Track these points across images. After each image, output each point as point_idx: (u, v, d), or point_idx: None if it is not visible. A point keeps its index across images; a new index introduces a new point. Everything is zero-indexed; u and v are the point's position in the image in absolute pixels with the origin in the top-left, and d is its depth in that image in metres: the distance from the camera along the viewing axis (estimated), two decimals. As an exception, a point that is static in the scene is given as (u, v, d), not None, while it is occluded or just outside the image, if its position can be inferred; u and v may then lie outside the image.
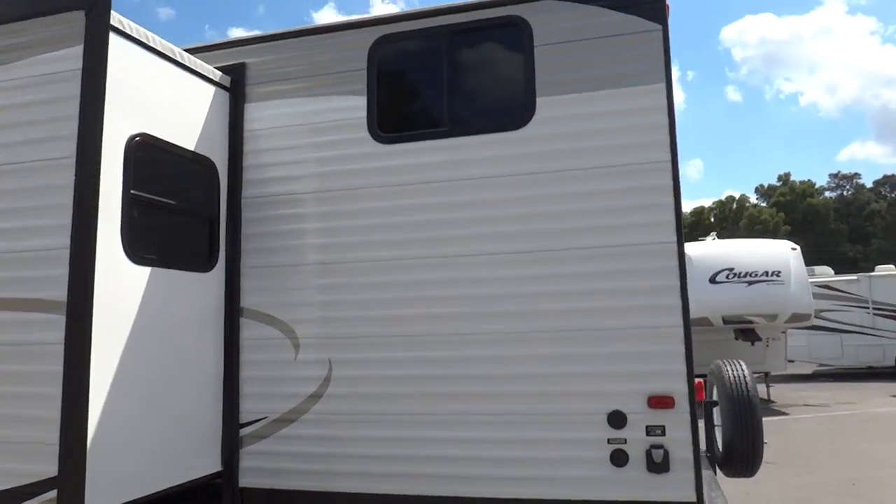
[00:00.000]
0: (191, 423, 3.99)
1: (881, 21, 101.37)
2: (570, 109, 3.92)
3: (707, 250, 15.86)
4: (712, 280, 14.69)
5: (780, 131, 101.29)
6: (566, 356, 3.77)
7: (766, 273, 14.57)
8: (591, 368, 3.73)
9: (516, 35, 4.05)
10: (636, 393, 3.66)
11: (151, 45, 3.72)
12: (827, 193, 58.68)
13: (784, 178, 57.49)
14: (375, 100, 4.22)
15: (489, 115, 4.20)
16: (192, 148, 4.05)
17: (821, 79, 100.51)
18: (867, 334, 20.06)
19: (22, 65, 3.48)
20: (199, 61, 4.13)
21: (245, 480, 4.21)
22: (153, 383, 3.70)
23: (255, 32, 4.55)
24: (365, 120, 4.21)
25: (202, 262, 4.18)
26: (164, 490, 3.74)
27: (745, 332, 14.83)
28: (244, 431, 4.24)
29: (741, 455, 5.13)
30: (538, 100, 3.97)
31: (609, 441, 3.66)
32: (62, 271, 3.25)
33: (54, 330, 3.24)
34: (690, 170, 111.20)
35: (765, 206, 56.43)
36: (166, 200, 3.93)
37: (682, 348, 3.64)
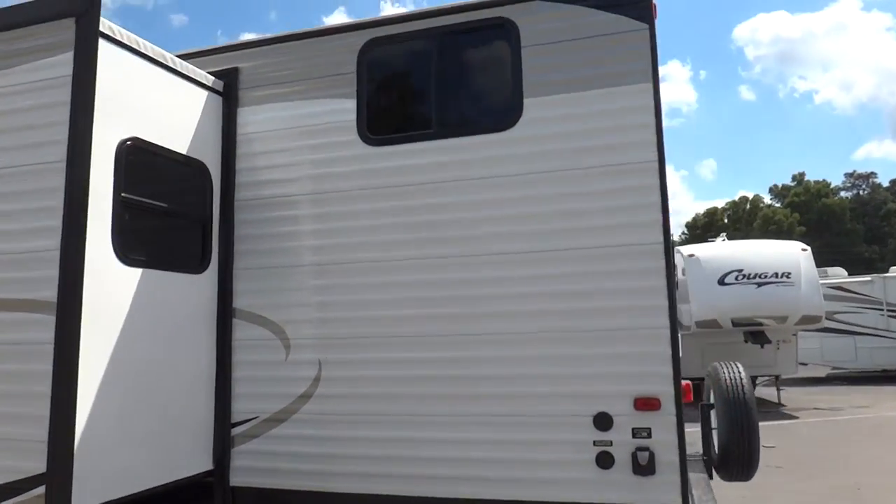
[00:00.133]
0: (182, 422, 4.04)
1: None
2: (557, 110, 3.93)
3: (715, 251, 15.74)
4: (721, 281, 14.57)
5: (794, 130, 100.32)
6: (552, 357, 3.77)
7: (776, 274, 14.43)
8: (576, 370, 3.73)
9: (503, 36, 4.07)
10: (622, 394, 3.66)
11: (142, 51, 3.78)
12: (842, 193, 58.00)
13: (798, 178, 56.89)
14: (365, 102, 4.25)
15: (477, 117, 4.23)
16: (184, 151, 4.11)
17: (835, 76, 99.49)
18: (882, 336, 19.76)
19: (15, 71, 3.55)
20: (191, 66, 4.19)
21: (236, 479, 4.26)
22: (144, 382, 3.76)
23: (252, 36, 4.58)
24: (354, 122, 4.25)
25: (194, 264, 4.23)
26: (155, 487, 3.79)
27: (755, 334, 14.69)
28: (236, 431, 4.29)
29: (737, 458, 5.10)
30: (525, 101, 3.98)
31: (595, 443, 3.66)
32: (53, 272, 3.32)
33: (45, 330, 3.30)
34: (703, 170, 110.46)
35: (779, 207, 55.88)
36: (158, 203, 3.99)
37: (668, 350, 3.63)
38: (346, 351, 4.13)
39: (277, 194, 4.38)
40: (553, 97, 3.94)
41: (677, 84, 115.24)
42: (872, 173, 60.38)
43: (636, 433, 3.61)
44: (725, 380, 5.31)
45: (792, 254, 14.93)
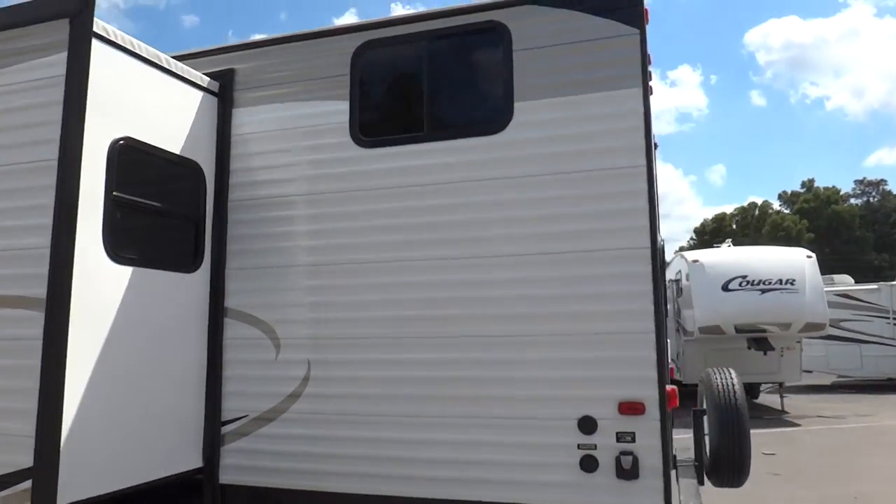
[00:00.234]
0: (172, 420, 4.08)
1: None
2: (547, 114, 3.95)
3: (720, 257, 15.69)
4: (725, 287, 14.51)
5: (805, 137, 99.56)
6: (537, 360, 3.79)
7: (781, 281, 14.36)
8: (561, 373, 3.75)
9: (495, 40, 4.09)
10: (607, 398, 3.66)
11: (136, 51, 3.83)
12: (852, 200, 57.48)
13: (808, 185, 56.50)
14: (357, 104, 4.29)
15: (468, 120, 4.25)
16: (177, 151, 4.15)
17: (847, 82, 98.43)
18: (888, 345, 19.60)
19: (10, 71, 3.61)
20: (186, 67, 4.24)
21: (226, 477, 4.29)
22: (133, 379, 3.79)
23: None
24: (347, 124, 4.28)
25: (187, 263, 4.27)
26: (143, 483, 3.83)
27: (758, 341, 14.61)
28: (226, 429, 4.32)
29: (728, 464, 5.08)
30: (516, 104, 4.00)
31: (579, 446, 3.67)
32: (43, 270, 3.36)
33: (34, 326, 3.35)
34: (713, 175, 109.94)
35: (788, 213, 55.54)
36: (150, 202, 4.03)
37: (653, 354, 3.63)
38: (335, 351, 4.17)
39: (271, 195, 4.42)
40: (543, 101, 3.96)
41: (688, 89, 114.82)
42: (883, 180, 59.82)
43: (620, 437, 3.61)
44: (717, 386, 5.29)
45: (796, 261, 14.86)
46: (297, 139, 4.40)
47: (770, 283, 14.34)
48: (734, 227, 59.26)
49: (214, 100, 4.48)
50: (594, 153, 3.85)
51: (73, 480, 3.34)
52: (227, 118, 4.50)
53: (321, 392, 4.16)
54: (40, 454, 3.24)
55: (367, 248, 4.17)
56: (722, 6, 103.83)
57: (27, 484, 3.27)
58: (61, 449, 3.26)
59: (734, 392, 5.22)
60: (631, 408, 3.61)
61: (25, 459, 3.28)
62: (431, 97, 4.20)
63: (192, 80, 4.29)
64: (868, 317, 19.84)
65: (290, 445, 4.18)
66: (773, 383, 16.38)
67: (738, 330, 14.36)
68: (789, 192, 58.39)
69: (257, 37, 4.63)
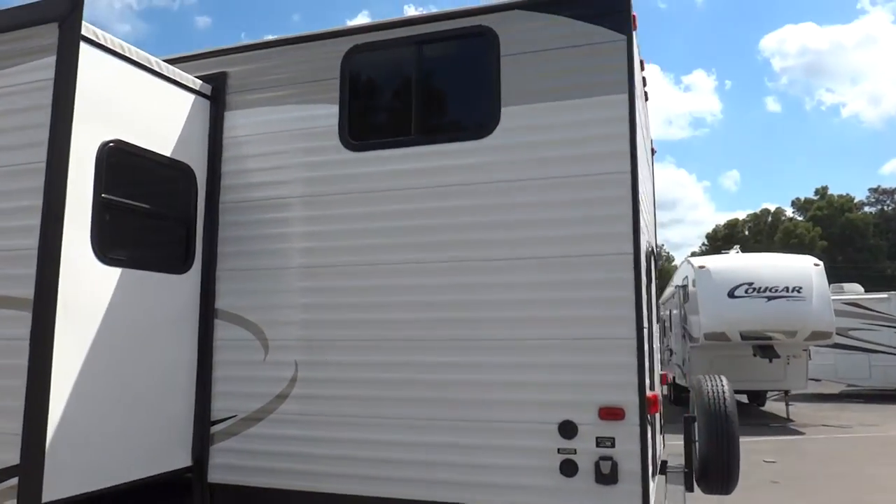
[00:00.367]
0: (161, 419, 4.12)
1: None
2: (533, 119, 3.97)
3: (726, 264, 15.60)
4: (731, 294, 14.44)
5: (820, 143, 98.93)
6: (520, 364, 3.80)
7: (787, 288, 14.26)
8: (543, 377, 3.76)
9: (483, 45, 4.11)
10: (587, 403, 3.67)
11: (127, 55, 3.89)
12: (866, 208, 56.93)
13: (822, 192, 56.02)
14: (347, 108, 4.33)
15: (455, 124, 4.28)
16: (168, 154, 4.21)
17: (864, 89, 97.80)
18: (897, 355, 19.43)
19: (1, 75, 3.67)
20: (177, 70, 4.29)
21: (215, 476, 4.34)
22: (122, 379, 3.84)
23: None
24: (336, 128, 4.32)
25: (177, 264, 4.32)
26: (132, 481, 3.88)
27: (764, 348, 14.50)
28: (215, 429, 4.37)
29: (716, 471, 5.08)
30: (503, 109, 4.03)
31: (559, 451, 3.67)
32: (31, 270, 3.42)
33: (22, 326, 3.40)
34: (726, 181, 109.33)
35: (801, 220, 55.09)
36: (140, 204, 4.08)
37: (633, 360, 3.63)
38: (322, 353, 4.20)
39: (261, 197, 4.47)
40: (530, 106, 3.98)
41: (702, 94, 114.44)
42: (897, 189, 59.26)
43: (600, 442, 3.62)
44: (708, 392, 5.28)
45: (804, 268, 14.75)
46: (288, 142, 4.45)
47: (776, 291, 14.25)
48: (746, 233, 58.92)
49: (207, 103, 4.53)
50: (578, 159, 3.86)
51: (59, 478, 3.38)
52: (220, 121, 4.56)
53: (308, 393, 4.20)
54: (26, 452, 3.28)
55: (355, 251, 4.20)
56: (738, 11, 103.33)
57: (14, 481, 3.32)
58: (47, 447, 3.31)
59: (724, 398, 5.22)
60: (611, 413, 3.62)
61: (12, 457, 3.33)
62: (420, 101, 4.23)
63: (184, 83, 4.35)
64: (877, 326, 19.62)
65: (277, 445, 4.22)
66: (779, 391, 16.25)
67: (744, 337, 14.27)
68: (802, 199, 57.93)
69: (270, 38, 4.67)
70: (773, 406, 17.47)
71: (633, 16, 3.96)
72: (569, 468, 3.64)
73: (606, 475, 3.57)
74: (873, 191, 58.87)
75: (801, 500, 8.06)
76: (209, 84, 4.57)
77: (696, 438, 5.29)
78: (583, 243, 3.79)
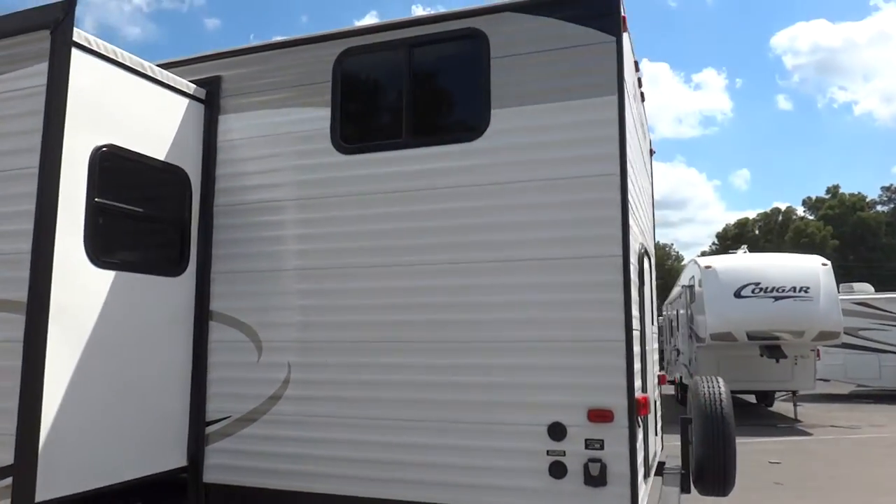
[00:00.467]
0: (156, 420, 4.17)
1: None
2: (523, 121, 3.97)
3: (733, 263, 15.53)
4: (737, 294, 14.38)
5: (831, 142, 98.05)
6: (509, 367, 3.81)
7: (794, 288, 14.19)
8: (532, 379, 3.77)
9: (474, 47, 4.12)
10: (576, 406, 3.67)
11: (120, 60, 3.93)
12: (878, 207, 56.37)
13: (833, 191, 55.55)
14: (338, 111, 4.36)
15: (446, 127, 4.29)
16: (162, 158, 4.25)
17: (877, 87, 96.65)
18: (907, 355, 19.25)
19: None
20: (170, 75, 4.33)
21: (210, 476, 4.38)
22: (117, 380, 3.89)
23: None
24: (328, 131, 4.35)
25: (172, 267, 4.36)
26: (127, 481, 3.92)
27: (771, 348, 14.43)
28: (210, 429, 4.41)
29: (712, 473, 5.06)
30: (492, 111, 4.03)
31: (548, 452, 3.68)
32: (25, 274, 3.47)
33: (16, 328, 3.45)
34: (737, 180, 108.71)
35: (812, 219, 54.65)
36: (134, 208, 4.12)
37: (622, 362, 3.63)
38: (314, 354, 4.23)
39: (255, 200, 4.50)
40: (519, 108, 3.99)
41: (712, 92, 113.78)
42: (910, 187, 58.64)
43: (589, 444, 3.62)
44: (704, 394, 5.27)
45: (811, 268, 14.66)
46: (281, 145, 4.48)
47: (783, 291, 14.18)
48: (757, 232, 58.54)
49: (201, 106, 4.57)
50: (568, 161, 3.87)
51: (52, 478, 3.43)
52: (214, 125, 4.60)
53: (300, 394, 4.23)
54: (19, 452, 3.33)
55: (347, 254, 4.23)
56: (748, 9, 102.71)
57: (9, 480, 3.37)
58: (40, 448, 3.36)
59: (720, 400, 5.20)
60: (599, 415, 3.62)
61: (7, 457, 3.39)
62: (410, 104, 4.24)
63: (178, 87, 4.39)
64: (888, 326, 19.47)
65: (271, 446, 4.25)
66: (787, 391, 16.16)
67: (751, 337, 14.20)
68: (814, 198, 57.47)
69: (278, 39, 4.69)
70: (781, 407, 17.37)
71: (623, 17, 3.95)
72: (558, 470, 3.65)
73: (595, 477, 3.58)
74: (886, 189, 58.28)
75: (804, 502, 8.01)
76: (204, 88, 4.61)
77: (692, 440, 5.29)
78: (572, 245, 3.79)
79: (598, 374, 3.66)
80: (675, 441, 5.46)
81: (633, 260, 4.03)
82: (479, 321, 3.91)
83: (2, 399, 3.45)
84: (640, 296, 4.30)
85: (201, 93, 4.58)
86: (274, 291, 4.38)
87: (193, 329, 4.45)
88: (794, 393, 15.78)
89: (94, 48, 3.75)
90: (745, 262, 15.69)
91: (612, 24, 3.92)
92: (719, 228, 66.19)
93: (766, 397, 18.13)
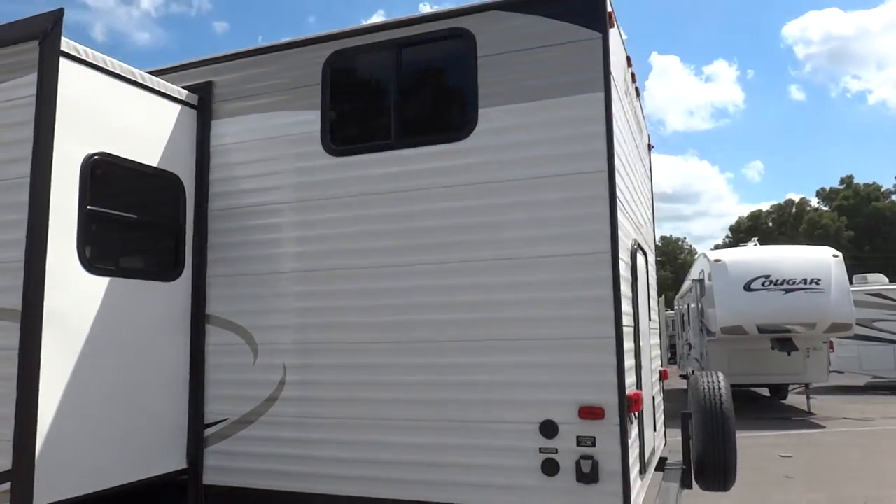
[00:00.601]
0: (155, 423, 4.22)
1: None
2: (510, 120, 3.97)
3: (742, 256, 15.41)
4: (747, 287, 14.25)
5: (845, 131, 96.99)
6: (500, 365, 3.82)
7: (805, 280, 14.04)
8: (524, 377, 3.77)
9: (461, 47, 4.12)
10: (568, 403, 3.67)
11: (109, 69, 3.97)
12: (894, 197, 55.61)
13: (847, 181, 54.87)
14: (328, 113, 4.38)
15: (434, 127, 4.29)
16: (155, 164, 4.29)
17: (891, 75, 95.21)
18: (922, 346, 18.99)
19: None
20: (161, 81, 4.38)
21: (209, 478, 4.43)
22: (113, 384, 3.94)
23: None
24: (318, 133, 4.37)
25: (167, 272, 4.41)
26: (127, 484, 3.97)
27: (782, 341, 14.29)
28: (208, 431, 4.46)
29: (712, 468, 5.04)
30: (480, 111, 4.04)
31: (541, 450, 3.69)
32: (19, 282, 3.52)
33: (12, 336, 3.51)
34: (750, 172, 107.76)
35: (826, 210, 54.04)
36: (128, 214, 4.17)
37: (613, 359, 3.63)
38: (309, 356, 4.27)
39: (248, 204, 4.54)
40: (507, 107, 3.99)
41: (724, 84, 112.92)
42: (927, 175, 57.90)
43: (580, 441, 3.62)
44: (703, 389, 5.24)
45: (822, 259, 14.51)
46: (273, 149, 4.51)
47: (794, 283, 14.04)
48: (770, 224, 58.01)
49: (193, 112, 4.61)
50: (556, 158, 3.86)
51: (50, 482, 3.48)
52: (207, 130, 4.63)
53: (296, 396, 4.26)
54: (17, 458, 3.39)
55: (338, 256, 4.25)
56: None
57: (7, 486, 3.43)
58: (37, 453, 3.41)
59: (720, 395, 5.17)
60: (591, 412, 3.62)
61: (5, 462, 3.45)
62: (399, 105, 4.26)
63: (170, 93, 4.43)
64: (902, 317, 19.21)
65: (268, 447, 4.29)
66: (800, 384, 16.01)
67: (761, 330, 14.07)
68: (828, 188, 56.82)
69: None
70: (795, 400, 17.22)
71: (610, 13, 3.94)
72: (550, 467, 3.65)
73: (587, 474, 3.58)
74: (901, 178, 57.49)
75: (812, 496, 7.94)
76: (196, 94, 4.64)
77: (692, 435, 5.26)
78: (561, 243, 3.79)
79: (589, 372, 3.66)
80: (678, 436, 5.45)
81: (624, 256, 4.03)
82: (471, 320, 3.91)
83: (0, 406, 3.51)
84: (632, 292, 4.29)
85: (194, 98, 4.62)
86: (268, 294, 4.42)
87: (190, 332, 4.49)
88: (807, 386, 15.63)
89: (84, 57, 3.80)
90: (754, 255, 15.55)
91: (598, 20, 3.90)
92: (733, 221, 65.70)
93: (779, 391, 17.98)
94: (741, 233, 55.89)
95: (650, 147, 6.88)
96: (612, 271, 3.69)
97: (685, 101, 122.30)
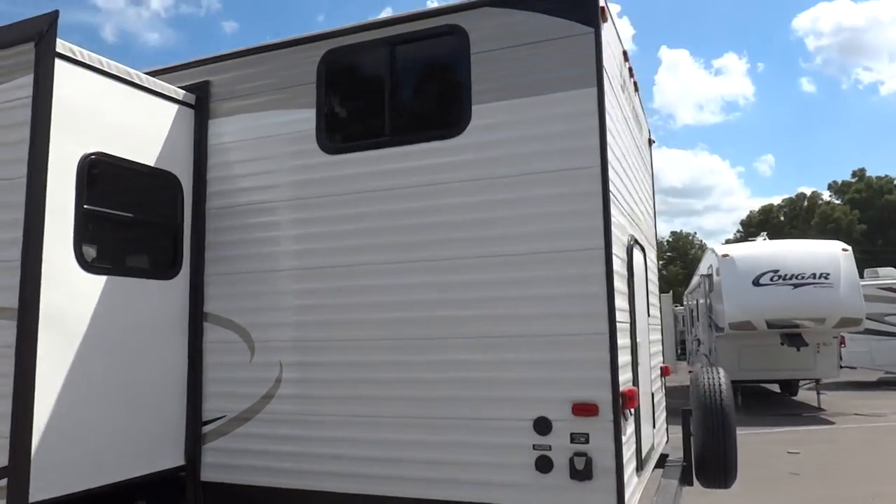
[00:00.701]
0: (153, 420, 4.25)
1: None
2: (503, 116, 3.96)
3: (750, 251, 15.30)
4: (756, 282, 14.15)
5: (858, 123, 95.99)
6: (494, 362, 3.82)
7: (814, 275, 13.93)
8: (517, 374, 3.77)
9: (454, 44, 4.11)
10: (561, 400, 3.66)
11: (106, 69, 4.00)
12: (908, 189, 54.97)
13: (859, 174, 54.27)
14: (323, 112, 4.39)
15: (428, 124, 4.29)
16: (152, 164, 4.32)
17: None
18: (935, 340, 18.77)
19: None
20: (158, 81, 4.40)
21: (207, 475, 4.46)
22: (111, 382, 3.97)
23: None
24: (314, 132, 4.38)
25: (164, 270, 4.44)
26: (124, 480, 4.01)
27: (791, 336, 14.19)
28: (206, 429, 4.49)
29: (712, 465, 5.03)
30: (473, 108, 4.03)
31: (534, 447, 3.68)
32: (16, 281, 3.56)
33: (9, 334, 3.55)
34: (761, 166, 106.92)
35: (838, 204, 53.51)
36: (125, 214, 4.20)
37: (606, 356, 3.61)
38: (304, 353, 4.28)
39: (246, 202, 4.56)
40: (499, 103, 3.98)
41: (733, 77, 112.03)
42: (942, 167, 57.19)
43: (574, 438, 3.61)
44: (703, 385, 5.22)
45: (831, 254, 14.38)
46: (270, 147, 4.53)
47: (803, 278, 13.93)
48: (782, 218, 57.55)
49: (191, 111, 4.64)
50: (548, 155, 3.85)
51: (46, 478, 3.52)
52: (204, 129, 4.66)
53: (292, 393, 4.28)
54: (13, 454, 3.43)
55: (333, 253, 4.27)
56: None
57: (3, 482, 3.48)
58: (33, 450, 3.45)
59: (720, 391, 5.15)
60: (584, 409, 3.61)
61: (2, 459, 3.49)
62: (393, 102, 4.26)
63: (166, 93, 4.45)
64: (914, 311, 19.01)
65: (265, 444, 4.31)
66: (810, 380, 15.89)
67: (770, 325, 13.98)
68: (840, 181, 56.24)
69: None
70: (807, 396, 17.10)
71: (602, 8, 3.92)
72: (544, 464, 3.65)
73: (581, 471, 3.57)
74: (915, 170, 56.87)
75: (817, 493, 7.89)
76: (193, 93, 4.67)
77: (693, 432, 5.25)
78: (554, 239, 3.78)
79: (582, 368, 3.65)
80: (681, 433, 5.43)
81: (619, 252, 4.01)
82: (465, 317, 3.91)
83: None
84: (628, 288, 4.27)
85: (191, 98, 4.64)
86: (265, 292, 4.44)
87: (188, 330, 4.52)
88: (817, 381, 15.51)
89: (80, 59, 3.83)
90: (763, 250, 15.44)
91: (589, 15, 3.88)
92: (744, 216, 65.23)
93: (789, 386, 17.84)
94: (752, 227, 55.49)
95: (651, 142, 6.84)
96: (606, 267, 3.68)
97: (695, 94, 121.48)
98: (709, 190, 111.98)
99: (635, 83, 5.59)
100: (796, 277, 13.95)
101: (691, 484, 5.29)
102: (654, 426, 5.18)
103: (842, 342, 16.46)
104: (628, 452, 3.84)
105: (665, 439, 6.01)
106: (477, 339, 3.87)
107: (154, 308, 4.31)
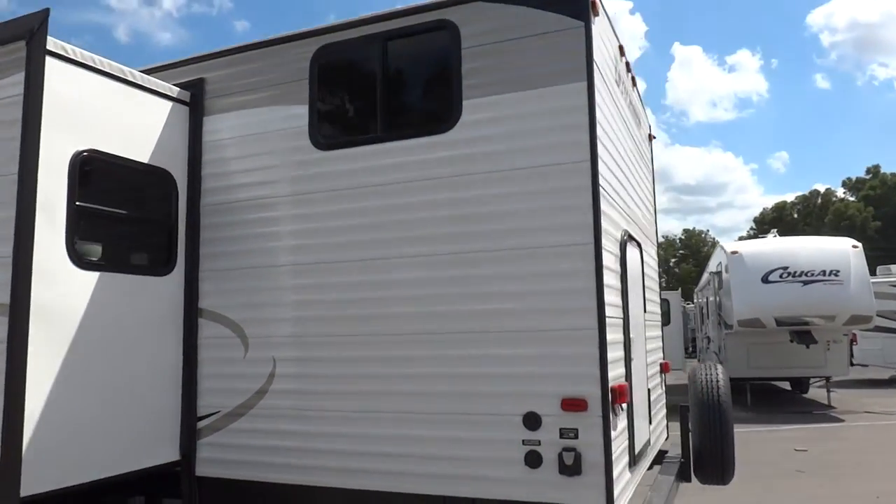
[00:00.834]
0: (147, 415, 4.28)
1: None
2: (493, 111, 3.95)
3: (760, 248, 15.18)
4: (765, 279, 14.04)
5: (873, 120, 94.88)
6: (483, 357, 3.81)
7: (824, 272, 13.79)
8: (507, 369, 3.75)
9: (445, 39, 4.10)
10: (550, 395, 3.65)
11: (98, 67, 4.03)
12: (923, 186, 54.25)
13: (874, 171, 53.63)
14: (316, 108, 4.39)
15: (419, 120, 4.29)
16: (146, 161, 4.34)
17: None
18: (948, 338, 18.53)
19: None
20: (152, 79, 4.43)
21: (202, 470, 4.48)
22: (105, 377, 4.00)
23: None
24: (307, 128, 4.39)
25: (159, 267, 4.47)
26: (118, 475, 4.04)
27: (801, 334, 14.08)
28: (201, 424, 4.51)
29: (710, 461, 5.01)
30: (464, 102, 4.02)
31: (524, 442, 3.67)
32: (8, 277, 3.59)
33: (1, 330, 3.58)
34: (775, 163, 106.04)
35: (852, 201, 52.92)
36: (119, 210, 4.23)
37: (595, 351, 3.59)
38: (297, 349, 4.30)
39: (240, 199, 4.57)
40: (489, 98, 3.96)
41: (747, 74, 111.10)
42: (958, 163, 56.38)
43: (563, 433, 3.60)
44: (701, 381, 5.19)
45: (841, 251, 14.23)
46: (264, 144, 4.54)
47: (813, 275, 13.79)
48: (795, 215, 57.04)
49: (185, 109, 4.66)
50: (538, 149, 3.83)
51: (38, 473, 3.55)
52: (199, 126, 4.68)
53: (285, 388, 4.30)
54: (4, 449, 3.46)
55: (326, 249, 4.27)
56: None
57: None
58: (24, 445, 3.48)
59: (718, 388, 5.12)
60: (573, 404, 3.59)
61: None
62: (385, 98, 4.25)
63: (160, 91, 4.48)
64: (928, 308, 18.76)
65: (259, 439, 4.33)
66: (820, 377, 15.74)
67: (780, 323, 13.86)
68: (854, 178, 55.62)
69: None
70: (816, 393, 16.94)
71: (593, 2, 3.89)
72: (533, 459, 3.64)
73: (570, 466, 3.55)
74: (931, 167, 56.12)
75: (822, 491, 7.81)
76: (188, 90, 4.69)
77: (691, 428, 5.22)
78: (545, 234, 3.76)
79: (571, 363, 3.63)
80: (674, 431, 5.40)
81: (611, 247, 3.99)
82: (456, 312, 3.90)
83: None
84: (621, 283, 4.24)
85: (185, 95, 4.66)
86: (258, 288, 4.45)
87: (183, 326, 4.55)
88: (827, 379, 15.36)
89: (71, 56, 3.85)
90: (772, 247, 15.31)
91: (580, 8, 3.86)
92: (757, 213, 64.71)
93: (800, 384, 17.69)
94: (765, 224, 55.05)
95: (651, 138, 6.80)
96: (595, 262, 3.66)
97: (708, 91, 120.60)
98: (722, 187, 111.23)
99: (633, 78, 5.56)
100: (806, 274, 13.82)
101: (689, 480, 5.26)
102: (650, 422, 5.15)
103: (854, 340, 16.29)
104: (619, 448, 3.82)
105: (665, 436, 5.98)
106: (467, 333, 3.86)
107: (148, 304, 4.33)
